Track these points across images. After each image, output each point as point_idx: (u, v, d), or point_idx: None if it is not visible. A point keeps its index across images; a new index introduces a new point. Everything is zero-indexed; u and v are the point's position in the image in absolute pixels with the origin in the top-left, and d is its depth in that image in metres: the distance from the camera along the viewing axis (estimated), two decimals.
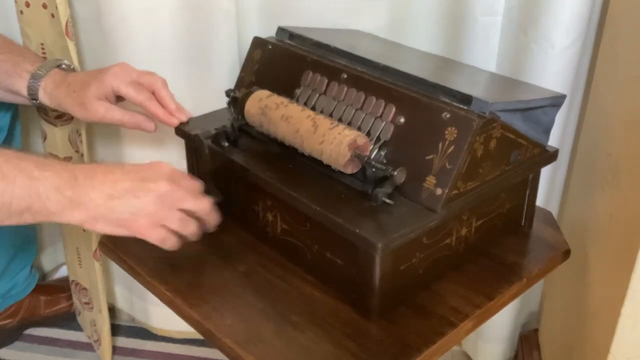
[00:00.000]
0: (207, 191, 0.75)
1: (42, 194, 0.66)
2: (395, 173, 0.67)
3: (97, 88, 0.83)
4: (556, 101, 0.79)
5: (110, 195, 0.68)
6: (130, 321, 1.37)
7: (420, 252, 0.70)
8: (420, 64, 0.91)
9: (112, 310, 1.35)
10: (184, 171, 0.73)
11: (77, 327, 1.36)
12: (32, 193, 0.66)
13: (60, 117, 1.05)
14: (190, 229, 0.72)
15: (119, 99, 0.86)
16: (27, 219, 0.67)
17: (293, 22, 0.96)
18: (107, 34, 0.99)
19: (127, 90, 0.83)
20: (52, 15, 0.95)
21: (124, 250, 0.80)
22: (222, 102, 0.87)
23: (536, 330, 1.21)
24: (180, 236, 0.72)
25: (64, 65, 0.92)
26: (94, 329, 1.26)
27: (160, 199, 0.69)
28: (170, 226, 0.70)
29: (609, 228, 0.84)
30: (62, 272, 1.46)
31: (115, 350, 1.30)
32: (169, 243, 0.71)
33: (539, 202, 0.89)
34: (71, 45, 0.94)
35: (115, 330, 1.33)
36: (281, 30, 0.91)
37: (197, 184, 0.73)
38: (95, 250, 1.12)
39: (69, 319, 1.37)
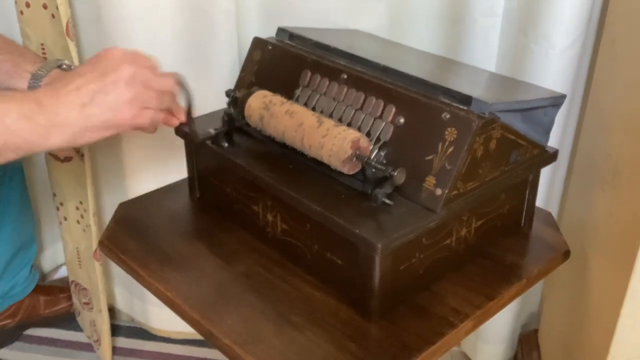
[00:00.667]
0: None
1: (13, 126, 0.64)
2: (395, 173, 0.67)
3: None
4: (556, 101, 0.79)
5: (81, 104, 0.66)
6: (129, 322, 1.37)
7: (420, 253, 0.70)
8: (420, 64, 0.91)
9: (112, 311, 1.35)
10: (135, 50, 0.72)
11: (77, 328, 1.36)
12: (1, 128, 0.64)
13: None
14: (168, 103, 0.72)
15: None
16: (9, 156, 0.66)
17: (293, 22, 0.96)
18: (107, 34, 0.99)
19: None
20: (53, 16, 0.95)
21: (124, 249, 0.80)
22: (222, 103, 0.87)
23: (536, 331, 1.21)
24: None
25: (64, 66, 0.91)
26: (94, 329, 1.26)
27: (130, 83, 0.67)
28: (152, 105, 0.69)
29: (608, 229, 0.84)
30: (62, 272, 1.47)
31: (115, 350, 1.30)
32: (159, 119, 0.71)
33: (539, 202, 0.89)
34: (72, 46, 0.94)
35: (115, 330, 1.33)
36: (281, 30, 0.91)
37: (154, 60, 0.72)
38: (96, 250, 1.12)
39: (68, 320, 1.37)
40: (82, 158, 1.05)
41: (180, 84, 0.75)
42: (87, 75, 0.67)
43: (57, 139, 0.66)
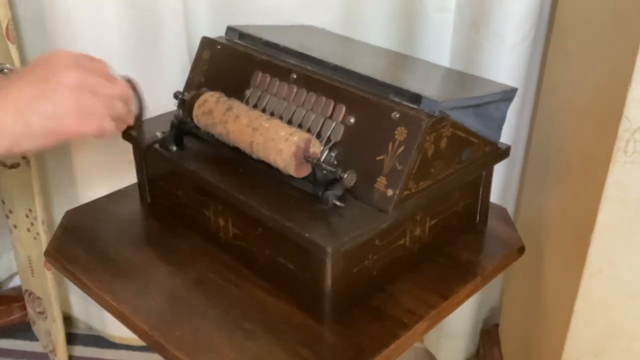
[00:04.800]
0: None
1: None
2: (345, 176, 0.66)
3: None
4: (507, 95, 0.78)
5: (19, 109, 0.61)
6: (87, 329, 1.34)
7: (373, 254, 0.69)
8: (372, 62, 0.90)
9: (69, 319, 1.32)
10: (85, 53, 0.68)
11: (33, 337, 1.32)
12: None
13: None
14: (119, 109, 0.68)
15: None
16: None
17: (245, 20, 0.94)
18: (51, 35, 0.96)
19: None
20: None
21: (70, 259, 0.78)
22: (172, 105, 0.85)
23: (497, 326, 1.22)
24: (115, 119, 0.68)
25: (5, 70, 0.88)
26: (49, 339, 1.23)
27: (75, 90, 0.63)
28: (99, 113, 0.65)
29: (561, 224, 0.84)
30: (16, 281, 1.42)
31: (72, 359, 1.27)
32: (109, 127, 0.66)
33: (496, 199, 0.89)
34: (13, 49, 0.91)
35: (72, 339, 1.31)
36: (230, 29, 0.89)
37: (104, 64, 0.68)
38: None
39: (23, 329, 1.33)
40: (29, 164, 1.02)
41: (133, 87, 0.72)
42: (28, 79, 0.63)
43: None
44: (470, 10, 0.95)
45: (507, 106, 0.79)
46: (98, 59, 0.68)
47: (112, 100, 0.67)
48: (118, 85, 0.68)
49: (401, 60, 0.94)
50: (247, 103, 0.79)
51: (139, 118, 0.75)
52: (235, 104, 0.75)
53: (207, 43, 0.87)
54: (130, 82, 0.72)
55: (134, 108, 0.74)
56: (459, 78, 0.87)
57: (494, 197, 0.87)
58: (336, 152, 0.70)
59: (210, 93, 0.78)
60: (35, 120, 0.62)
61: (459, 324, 1.21)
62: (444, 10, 0.97)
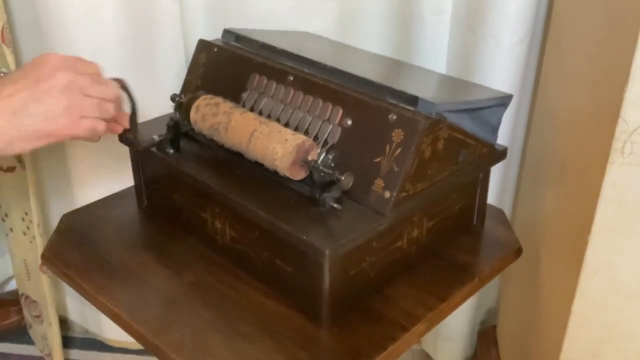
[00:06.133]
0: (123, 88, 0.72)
1: None
2: (342, 178, 0.66)
3: None
4: (503, 101, 0.79)
5: (12, 111, 0.62)
6: (83, 333, 1.34)
7: (370, 257, 0.69)
8: (368, 66, 0.90)
9: (65, 323, 1.32)
10: (75, 55, 0.69)
11: (29, 341, 1.32)
12: None
13: None
14: (111, 111, 0.68)
15: None
16: None
17: (241, 23, 0.94)
18: (47, 38, 0.95)
19: None
20: None
21: (67, 263, 0.77)
22: (169, 107, 0.85)
23: (494, 327, 1.22)
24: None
25: (1, 74, 0.88)
26: (46, 342, 1.23)
27: (66, 92, 0.64)
28: (91, 114, 0.66)
29: (557, 226, 0.84)
30: (13, 284, 1.42)
31: None
32: (100, 128, 0.67)
33: (493, 200, 0.89)
34: (8, 52, 0.91)
35: (69, 342, 1.30)
36: (227, 32, 0.89)
37: (96, 66, 0.69)
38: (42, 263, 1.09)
39: (20, 333, 1.33)
40: (24, 167, 1.02)
41: (124, 89, 0.73)
42: (20, 82, 0.64)
43: None
44: (466, 13, 0.95)
45: (503, 111, 0.79)
46: (89, 61, 0.69)
47: (104, 101, 0.68)
48: (109, 87, 0.69)
49: (397, 65, 0.94)
50: (243, 106, 0.79)
51: (132, 119, 0.75)
52: (232, 106, 0.75)
53: (203, 46, 0.87)
54: (120, 83, 0.72)
55: (126, 109, 0.74)
56: (455, 83, 0.87)
57: (491, 199, 0.87)
58: (333, 154, 0.70)
59: (207, 96, 0.78)
60: (28, 122, 0.63)
61: (456, 325, 1.21)
62: (440, 12, 0.97)
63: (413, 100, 0.69)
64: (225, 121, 0.73)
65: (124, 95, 0.73)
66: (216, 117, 0.74)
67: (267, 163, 0.70)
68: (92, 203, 0.89)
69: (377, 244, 0.69)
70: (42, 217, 1.11)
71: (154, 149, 0.78)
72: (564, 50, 0.87)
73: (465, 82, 0.89)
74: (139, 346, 1.29)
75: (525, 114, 1.04)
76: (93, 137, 0.69)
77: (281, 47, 0.83)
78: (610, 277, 0.73)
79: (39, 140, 0.65)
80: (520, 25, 0.90)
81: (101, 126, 0.68)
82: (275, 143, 0.68)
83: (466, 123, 0.73)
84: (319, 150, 0.70)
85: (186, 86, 0.87)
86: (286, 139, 0.68)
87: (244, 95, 0.80)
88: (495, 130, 0.78)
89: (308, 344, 0.66)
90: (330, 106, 0.73)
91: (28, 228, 1.10)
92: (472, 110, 0.74)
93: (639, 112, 0.64)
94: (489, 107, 0.76)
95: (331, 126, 0.72)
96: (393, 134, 0.68)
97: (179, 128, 0.79)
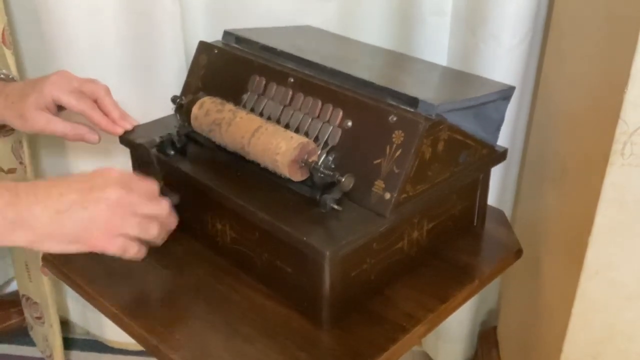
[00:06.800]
0: (162, 192, 0.71)
1: None
2: (343, 179, 0.66)
3: (36, 98, 0.80)
4: (505, 94, 0.78)
5: (57, 210, 0.62)
6: (84, 334, 1.34)
7: (371, 258, 0.69)
8: (370, 64, 0.90)
9: (66, 324, 1.32)
10: (136, 174, 0.69)
11: (30, 342, 1.32)
12: None
13: (2, 128, 1.02)
14: (153, 232, 0.68)
15: (60, 108, 0.83)
16: None
17: (241, 23, 0.94)
18: (48, 40, 0.96)
19: (67, 100, 0.80)
20: None
21: (68, 265, 0.77)
22: (169, 109, 0.85)
23: (495, 328, 1.22)
24: (143, 243, 0.68)
25: (2, 75, 0.88)
26: (47, 343, 1.23)
27: (113, 207, 0.64)
28: (130, 233, 0.66)
29: (557, 227, 0.84)
30: (13, 286, 1.42)
31: None
32: (132, 251, 0.67)
33: (493, 201, 0.89)
34: (9, 54, 0.91)
35: (70, 344, 1.30)
36: (227, 33, 0.89)
37: (151, 186, 0.69)
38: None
39: (21, 334, 1.33)
40: (25, 169, 1.02)
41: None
42: (76, 185, 0.64)
43: (19, 238, 0.62)
44: (466, 13, 0.95)
45: (506, 105, 0.79)
46: (146, 180, 0.69)
47: (147, 221, 0.67)
48: (158, 205, 0.68)
49: (398, 60, 0.93)
50: (244, 107, 0.79)
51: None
52: (233, 108, 0.76)
53: (204, 47, 0.87)
54: (173, 199, 0.71)
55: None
56: (457, 78, 0.87)
57: (491, 200, 0.87)
58: (334, 155, 0.70)
59: (208, 97, 0.78)
60: (68, 225, 0.63)
61: (457, 327, 1.21)
62: (441, 13, 0.97)
63: (413, 101, 0.69)
64: (230, 117, 0.73)
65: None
66: (216, 118, 0.74)
67: (267, 158, 0.69)
68: None
69: (377, 245, 0.69)
70: None
71: (154, 151, 0.79)
72: (564, 51, 0.87)
73: (466, 74, 0.88)
74: (139, 347, 1.29)
75: (525, 115, 1.04)
76: (124, 256, 0.68)
77: (281, 49, 0.83)
78: (610, 278, 0.73)
79: (70, 244, 0.64)
80: (521, 26, 0.90)
81: (132, 250, 0.67)
82: (280, 139, 0.69)
83: (468, 121, 0.73)
84: (319, 152, 0.70)
85: (186, 88, 0.87)
86: (291, 137, 0.69)
87: (245, 96, 0.80)
88: (498, 127, 0.78)
89: (308, 345, 0.66)
90: (331, 108, 0.73)
91: None
92: (474, 107, 0.74)
93: (639, 114, 0.64)
94: (492, 101, 0.76)
95: (331, 128, 0.72)
96: (393, 135, 0.68)
97: (179, 130, 0.79)
